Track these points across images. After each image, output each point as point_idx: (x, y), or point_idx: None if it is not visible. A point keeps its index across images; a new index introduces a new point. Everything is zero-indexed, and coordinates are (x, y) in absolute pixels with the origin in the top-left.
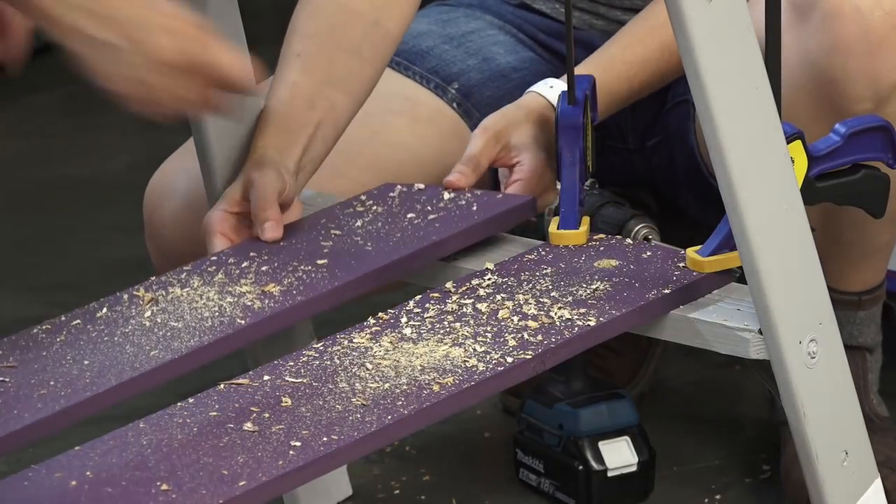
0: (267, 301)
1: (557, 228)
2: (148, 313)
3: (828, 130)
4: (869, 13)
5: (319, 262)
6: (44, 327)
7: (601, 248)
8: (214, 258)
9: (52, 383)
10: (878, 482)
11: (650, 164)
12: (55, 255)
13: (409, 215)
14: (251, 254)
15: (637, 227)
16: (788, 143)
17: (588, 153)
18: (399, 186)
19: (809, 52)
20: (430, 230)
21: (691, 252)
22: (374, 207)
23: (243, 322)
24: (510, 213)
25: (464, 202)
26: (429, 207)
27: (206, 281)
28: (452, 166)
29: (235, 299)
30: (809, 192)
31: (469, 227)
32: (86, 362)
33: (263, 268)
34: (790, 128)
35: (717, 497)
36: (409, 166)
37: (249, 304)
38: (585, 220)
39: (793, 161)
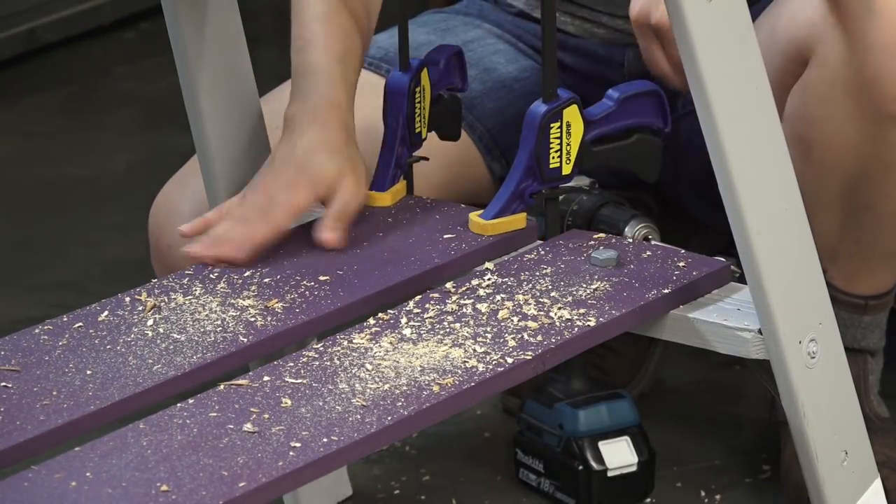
0: (269, 318)
1: (368, 189)
2: (150, 322)
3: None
4: None
5: (322, 277)
6: (45, 328)
7: (600, 248)
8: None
9: (54, 393)
10: (878, 482)
11: None
12: (55, 255)
13: (417, 233)
14: (253, 262)
15: (637, 227)
16: (565, 107)
17: (418, 120)
18: (411, 200)
19: (853, 50)
20: (436, 252)
21: (474, 217)
22: (380, 219)
23: (246, 340)
24: (519, 235)
25: None
26: (439, 226)
27: (208, 289)
28: (455, 178)
29: (238, 313)
30: (586, 156)
31: (474, 250)
32: (88, 372)
33: (266, 280)
34: (565, 93)
35: (717, 497)
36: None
37: (252, 320)
38: (402, 185)
39: (570, 125)
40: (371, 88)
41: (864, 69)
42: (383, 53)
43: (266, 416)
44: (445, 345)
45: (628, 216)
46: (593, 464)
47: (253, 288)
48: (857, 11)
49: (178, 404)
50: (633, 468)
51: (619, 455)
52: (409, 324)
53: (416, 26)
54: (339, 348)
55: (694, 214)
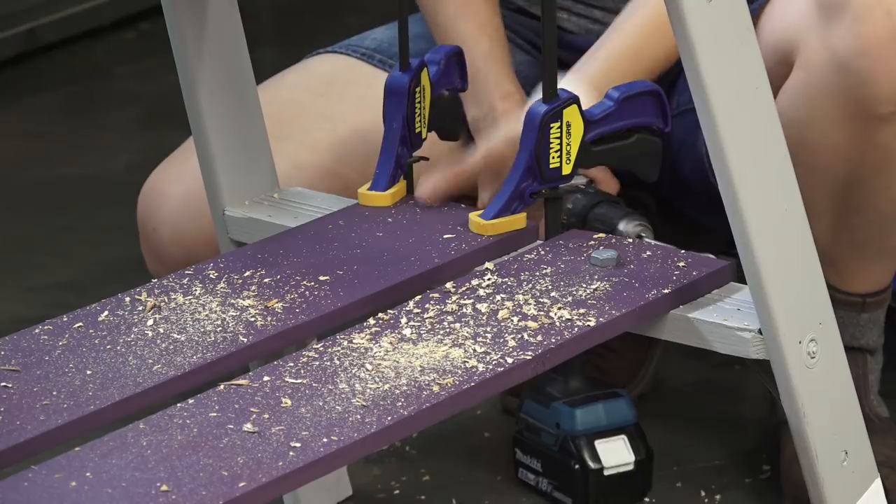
0: (269, 318)
1: (368, 189)
2: (150, 322)
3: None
4: None
5: (322, 277)
6: (45, 327)
7: (600, 248)
8: (214, 263)
9: (54, 393)
10: (878, 482)
11: None
12: (55, 255)
13: (417, 233)
14: (253, 262)
15: (630, 225)
16: (565, 107)
17: (418, 120)
18: (411, 200)
19: (837, 53)
20: (436, 252)
21: (474, 217)
22: (380, 219)
23: (246, 340)
24: (519, 236)
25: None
26: (439, 226)
27: (208, 289)
28: (444, 169)
29: (238, 313)
30: (586, 156)
31: (474, 250)
32: (88, 372)
33: (266, 280)
34: (565, 93)
35: (717, 497)
36: None
37: (252, 320)
38: (401, 184)
39: (570, 125)
40: (362, 79)
41: (850, 72)
42: (377, 45)
43: (266, 416)
44: (445, 345)
45: (622, 214)
46: (590, 462)
47: (253, 288)
48: (839, 15)
49: (178, 404)
50: (630, 467)
51: (615, 454)
52: (409, 324)
53: (414, 19)
54: (339, 348)
55: (688, 214)
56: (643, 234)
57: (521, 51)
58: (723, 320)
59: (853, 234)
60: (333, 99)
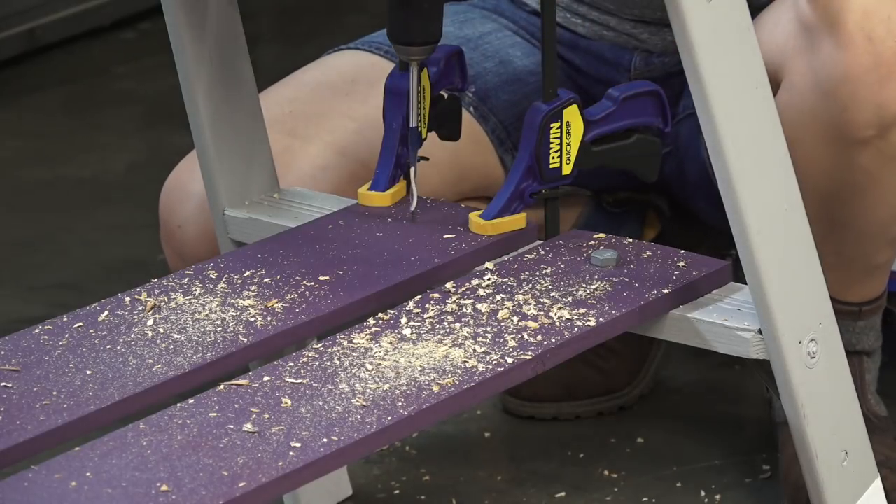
0: (269, 318)
1: (368, 189)
2: (150, 322)
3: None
4: (881, 43)
5: (322, 277)
6: (45, 327)
7: (600, 248)
8: (214, 263)
9: (54, 393)
10: (878, 482)
11: (663, 172)
12: (55, 255)
13: (417, 233)
14: (253, 262)
15: None
16: (565, 107)
17: (422, 120)
18: (415, 200)
19: (819, 78)
20: (436, 252)
21: (474, 217)
22: (380, 219)
23: (246, 340)
24: (519, 236)
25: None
26: (439, 226)
27: (208, 289)
28: (467, 170)
29: (238, 313)
30: (586, 156)
31: (474, 250)
32: (88, 372)
33: (266, 280)
34: (565, 93)
35: (717, 497)
36: (424, 169)
37: (252, 320)
38: (402, 185)
39: (570, 125)
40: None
41: (832, 98)
42: None
43: (266, 416)
44: (445, 345)
45: None
46: None
47: (253, 288)
48: (822, 40)
49: (178, 404)
50: None
51: None
52: (409, 324)
53: None
54: (339, 348)
55: (701, 216)
56: None
57: (540, 52)
58: (723, 320)
59: (841, 249)
60: (359, 98)
